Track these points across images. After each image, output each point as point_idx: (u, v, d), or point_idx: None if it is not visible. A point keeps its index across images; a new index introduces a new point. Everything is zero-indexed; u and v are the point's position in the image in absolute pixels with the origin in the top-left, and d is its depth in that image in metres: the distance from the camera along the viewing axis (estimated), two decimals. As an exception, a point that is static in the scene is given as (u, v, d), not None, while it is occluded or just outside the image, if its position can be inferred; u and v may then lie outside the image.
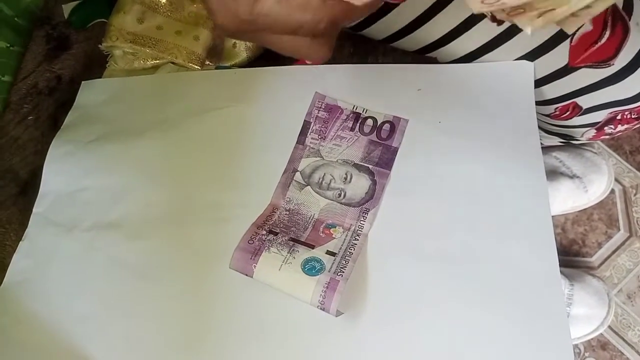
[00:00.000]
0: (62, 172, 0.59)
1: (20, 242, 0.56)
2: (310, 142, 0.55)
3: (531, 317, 0.45)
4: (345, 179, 0.53)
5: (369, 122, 0.54)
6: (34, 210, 0.57)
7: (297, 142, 0.55)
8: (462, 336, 0.45)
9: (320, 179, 0.53)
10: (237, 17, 0.32)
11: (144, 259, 0.53)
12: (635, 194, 1.04)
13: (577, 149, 0.99)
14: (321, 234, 0.50)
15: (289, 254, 0.48)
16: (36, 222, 0.57)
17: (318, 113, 0.56)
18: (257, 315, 0.49)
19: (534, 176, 0.51)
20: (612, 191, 1.03)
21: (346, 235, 0.50)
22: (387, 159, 0.53)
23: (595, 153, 0.99)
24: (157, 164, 0.57)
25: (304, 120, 0.56)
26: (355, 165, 0.54)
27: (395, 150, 0.53)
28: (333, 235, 0.50)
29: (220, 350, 0.49)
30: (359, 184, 0.53)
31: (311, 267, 0.47)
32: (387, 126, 0.54)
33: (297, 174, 0.54)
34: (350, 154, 0.54)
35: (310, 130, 0.55)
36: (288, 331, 0.48)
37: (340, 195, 0.53)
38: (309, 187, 0.53)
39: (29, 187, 0.59)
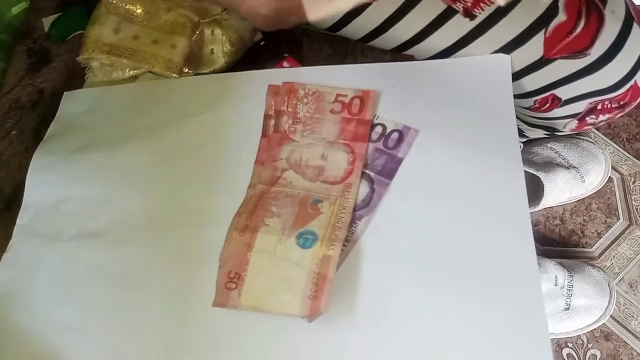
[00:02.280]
0: (44, 183, 0.59)
1: (4, 254, 0.57)
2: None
3: (509, 309, 0.45)
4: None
5: (378, 129, 0.54)
6: (17, 222, 0.58)
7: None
8: (440, 333, 0.45)
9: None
10: None
11: (125, 267, 0.53)
12: (633, 182, 1.02)
13: (572, 138, 0.98)
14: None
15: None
16: (20, 234, 0.57)
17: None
18: (241, 322, 0.49)
19: (512, 169, 0.50)
20: (610, 180, 1.02)
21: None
22: (390, 169, 0.52)
23: (592, 142, 0.98)
24: (137, 172, 0.58)
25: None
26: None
27: (400, 161, 0.52)
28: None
29: (202, 357, 0.49)
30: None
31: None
32: (395, 135, 0.53)
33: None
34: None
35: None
36: (271, 337, 0.48)
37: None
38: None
39: (13, 202, 0.60)
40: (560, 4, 0.51)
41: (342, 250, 0.48)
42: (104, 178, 0.58)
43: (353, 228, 0.50)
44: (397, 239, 0.49)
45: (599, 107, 0.56)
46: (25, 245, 0.57)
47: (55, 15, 0.70)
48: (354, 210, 0.51)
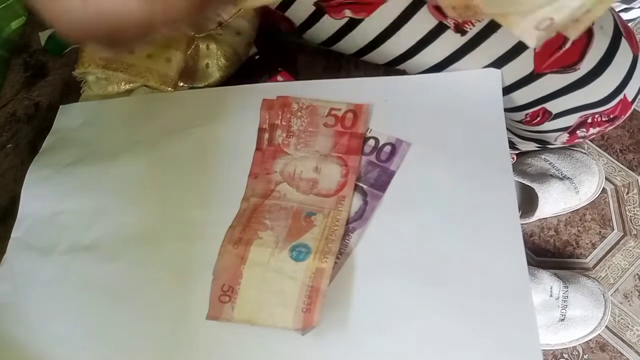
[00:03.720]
0: (39, 197, 0.59)
1: None
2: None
3: (500, 321, 0.45)
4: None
5: (371, 142, 0.55)
6: (12, 235, 0.58)
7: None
8: (433, 346, 0.46)
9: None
10: (74, 19, 0.30)
11: (119, 280, 0.53)
12: (627, 193, 1.03)
13: (566, 150, 0.99)
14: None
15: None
16: (14, 247, 0.57)
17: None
18: (234, 335, 0.49)
19: (503, 183, 0.51)
20: (604, 191, 1.02)
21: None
22: (382, 182, 0.53)
23: (585, 153, 0.98)
24: (131, 185, 0.58)
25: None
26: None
27: (392, 174, 0.53)
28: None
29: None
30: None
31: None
32: (387, 148, 0.54)
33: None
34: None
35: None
36: (264, 350, 0.48)
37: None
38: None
39: (8, 215, 0.60)
40: (550, 20, 0.52)
41: (335, 262, 0.48)
42: (99, 191, 0.58)
43: (346, 241, 0.50)
44: (390, 251, 0.50)
45: (589, 120, 0.57)
46: (19, 258, 0.57)
47: (52, 30, 0.70)
48: (347, 222, 0.51)
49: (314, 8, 0.58)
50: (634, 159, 1.05)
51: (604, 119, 0.57)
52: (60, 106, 0.65)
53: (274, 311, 0.47)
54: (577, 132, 0.59)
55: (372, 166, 0.54)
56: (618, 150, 1.06)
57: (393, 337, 0.46)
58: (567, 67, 0.53)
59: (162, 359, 0.50)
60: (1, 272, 0.57)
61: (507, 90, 0.56)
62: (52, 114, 0.65)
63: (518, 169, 0.97)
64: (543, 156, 0.98)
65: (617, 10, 0.82)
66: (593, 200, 0.99)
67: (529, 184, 0.92)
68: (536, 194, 0.92)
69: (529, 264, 0.49)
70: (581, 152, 0.98)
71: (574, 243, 1.01)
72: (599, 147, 1.07)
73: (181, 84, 0.63)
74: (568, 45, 0.52)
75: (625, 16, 0.86)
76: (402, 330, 0.47)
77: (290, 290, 0.47)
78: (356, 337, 0.47)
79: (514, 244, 0.48)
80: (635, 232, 1.00)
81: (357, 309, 0.48)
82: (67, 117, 0.65)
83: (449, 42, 0.55)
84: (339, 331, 0.47)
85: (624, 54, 0.53)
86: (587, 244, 1.01)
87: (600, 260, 0.99)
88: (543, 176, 0.96)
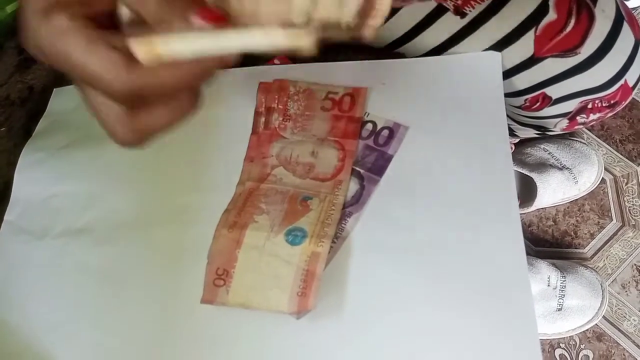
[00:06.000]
0: (32, 180, 0.59)
1: None
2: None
3: (498, 309, 0.45)
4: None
5: (369, 126, 0.54)
6: (5, 218, 0.57)
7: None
8: (430, 332, 0.45)
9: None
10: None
11: (113, 264, 0.53)
12: (626, 183, 1.03)
13: (565, 139, 0.99)
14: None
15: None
16: (7, 231, 0.57)
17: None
18: (229, 318, 0.49)
19: (502, 167, 0.50)
20: (603, 181, 1.02)
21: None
22: (380, 166, 0.52)
23: (585, 143, 0.98)
24: (125, 169, 0.57)
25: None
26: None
27: (390, 158, 0.52)
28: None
29: (190, 354, 0.48)
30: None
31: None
32: (385, 132, 0.53)
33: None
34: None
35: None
36: (259, 334, 0.48)
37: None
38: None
39: (1, 199, 0.59)
40: (551, 3, 0.51)
41: (331, 247, 0.48)
42: (93, 174, 0.58)
43: (342, 225, 0.50)
44: (387, 236, 0.49)
45: (590, 106, 0.56)
46: (12, 242, 0.56)
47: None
48: (344, 207, 0.51)
49: (311, -9, 0.57)
50: (633, 149, 1.05)
51: (604, 105, 0.56)
52: (54, 89, 0.65)
53: (269, 295, 0.46)
54: (577, 118, 0.59)
55: (369, 150, 0.53)
56: (618, 140, 1.06)
57: (389, 322, 0.46)
58: (568, 51, 0.52)
59: (156, 342, 0.49)
60: None
61: (507, 74, 0.55)
62: (46, 97, 0.64)
63: (517, 159, 0.96)
64: (542, 146, 0.98)
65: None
66: (592, 191, 0.99)
67: (528, 174, 0.92)
68: (535, 183, 0.91)
69: (527, 253, 0.48)
70: (581, 142, 0.98)
71: (572, 233, 1.01)
72: (599, 137, 1.07)
73: (177, 67, 0.62)
74: (569, 28, 0.51)
75: (630, 4, 0.85)
76: (398, 315, 0.46)
77: (286, 274, 0.46)
78: (351, 322, 0.46)
79: (512, 231, 0.47)
80: (633, 223, 1.00)
81: (352, 294, 0.47)
82: (61, 100, 0.64)
83: (448, 24, 0.54)
84: (334, 315, 0.47)
85: (625, 39, 0.53)
86: (586, 234, 1.01)
87: (599, 250, 0.99)
88: (542, 166, 0.95)
